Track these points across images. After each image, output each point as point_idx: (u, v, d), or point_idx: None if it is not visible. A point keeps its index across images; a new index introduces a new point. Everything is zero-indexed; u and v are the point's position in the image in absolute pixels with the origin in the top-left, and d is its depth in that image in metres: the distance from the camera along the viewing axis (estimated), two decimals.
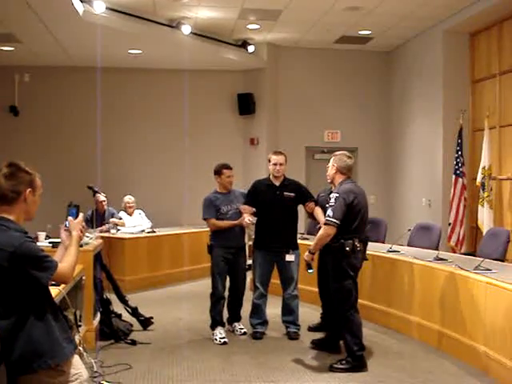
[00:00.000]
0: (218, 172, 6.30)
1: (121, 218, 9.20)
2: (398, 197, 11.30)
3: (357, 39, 10.76)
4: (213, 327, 6.20)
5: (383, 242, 7.76)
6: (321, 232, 5.21)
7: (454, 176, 9.09)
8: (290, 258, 6.15)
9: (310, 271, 5.42)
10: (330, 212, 5.10)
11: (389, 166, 11.61)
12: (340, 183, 5.30)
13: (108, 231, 8.79)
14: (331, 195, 5.23)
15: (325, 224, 5.16)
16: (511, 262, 7.38)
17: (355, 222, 5.18)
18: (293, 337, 6.19)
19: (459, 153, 9.11)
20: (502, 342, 4.76)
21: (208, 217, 6.24)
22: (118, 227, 9.06)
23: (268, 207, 6.17)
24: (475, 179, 8.89)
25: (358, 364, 5.18)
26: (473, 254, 7.28)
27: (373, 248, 6.94)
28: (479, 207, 8.64)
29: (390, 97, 11.60)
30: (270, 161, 6.26)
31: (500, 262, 6.03)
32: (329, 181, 5.49)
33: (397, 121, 11.35)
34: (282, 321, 6.36)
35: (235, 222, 6.19)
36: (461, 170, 9.08)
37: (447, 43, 9.62)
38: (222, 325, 6.24)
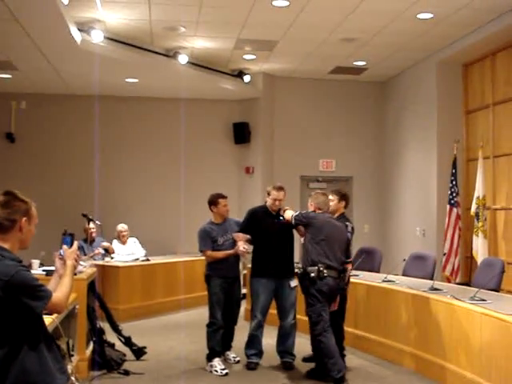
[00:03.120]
0: (214, 202, 6.30)
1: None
2: (392, 226, 11.30)
3: (351, 70, 10.87)
4: (211, 358, 6.13)
5: (378, 272, 7.74)
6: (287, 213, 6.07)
7: (448, 206, 9.12)
8: (294, 283, 6.14)
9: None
10: (296, 212, 5.96)
11: (383, 195, 11.63)
12: None
13: (99, 255, 8.72)
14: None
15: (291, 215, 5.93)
16: (506, 292, 7.39)
17: (317, 250, 5.56)
18: (288, 367, 6.13)
19: (453, 182, 9.15)
20: (498, 373, 4.73)
21: (204, 249, 6.24)
22: (111, 255, 9.02)
23: (266, 235, 6.17)
24: (469, 209, 8.91)
25: None
26: (468, 283, 7.28)
27: (367, 278, 6.96)
28: (474, 237, 8.65)
29: (385, 127, 11.68)
30: (269, 194, 6.24)
31: (495, 293, 6.02)
32: None
33: (391, 150, 11.41)
34: (278, 351, 6.28)
35: (230, 251, 6.20)
36: (455, 199, 9.11)
37: (441, 74, 9.72)
38: (220, 355, 6.20)
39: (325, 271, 5.45)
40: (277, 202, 6.19)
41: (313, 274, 5.46)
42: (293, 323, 6.21)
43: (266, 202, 6.34)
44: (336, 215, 6.18)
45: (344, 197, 6.39)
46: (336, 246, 5.67)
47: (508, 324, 4.64)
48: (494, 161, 8.89)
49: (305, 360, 6.32)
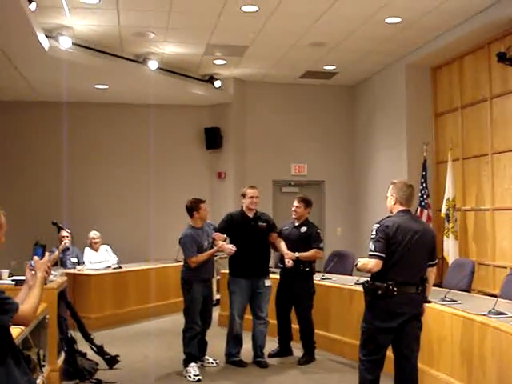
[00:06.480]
0: (195, 208, 6.36)
1: (83, 263, 9.01)
2: (364, 229, 11.31)
3: (321, 74, 10.93)
4: (187, 363, 6.13)
5: (351, 275, 7.76)
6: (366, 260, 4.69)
7: (419, 208, 9.19)
8: (268, 282, 6.48)
9: None
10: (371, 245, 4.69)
11: (355, 199, 11.69)
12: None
13: (66, 243, 8.58)
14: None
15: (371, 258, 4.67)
16: (477, 292, 7.47)
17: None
18: (264, 365, 6.36)
19: (424, 185, 9.25)
20: (469, 373, 4.77)
21: (192, 255, 6.24)
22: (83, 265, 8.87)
23: (243, 237, 6.38)
24: (440, 211, 9.01)
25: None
26: (438, 284, 7.33)
27: (340, 281, 6.98)
28: (444, 238, 8.74)
29: (355, 130, 11.76)
30: (244, 195, 6.52)
31: (465, 293, 6.09)
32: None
33: (362, 154, 11.49)
34: (254, 350, 6.51)
35: (213, 250, 6.33)
36: (425, 201, 9.20)
37: (410, 77, 9.82)
38: (196, 361, 6.20)
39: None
40: (254, 199, 6.49)
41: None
42: (267, 320, 6.47)
43: (242, 207, 6.58)
44: (301, 221, 6.67)
45: (309, 203, 6.78)
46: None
47: (478, 324, 4.69)
48: (463, 163, 9.00)
49: (270, 355, 6.67)
